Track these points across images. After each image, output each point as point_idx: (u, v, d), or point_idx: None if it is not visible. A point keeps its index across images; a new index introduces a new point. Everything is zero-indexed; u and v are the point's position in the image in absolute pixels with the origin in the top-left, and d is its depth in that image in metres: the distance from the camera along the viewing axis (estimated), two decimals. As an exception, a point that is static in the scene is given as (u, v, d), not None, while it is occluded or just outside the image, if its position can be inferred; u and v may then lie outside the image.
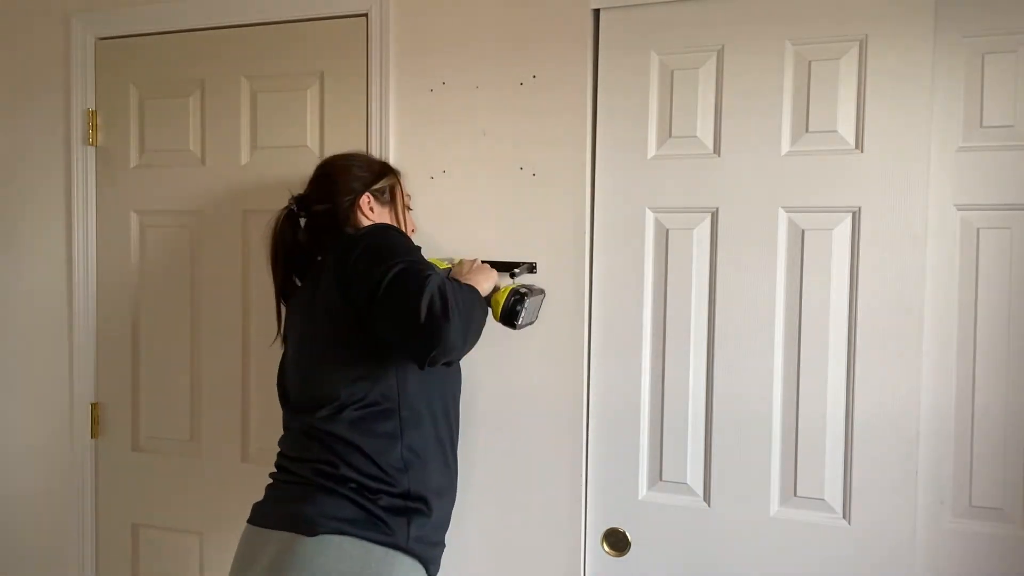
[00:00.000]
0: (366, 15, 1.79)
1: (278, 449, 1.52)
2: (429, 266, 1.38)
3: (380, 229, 1.45)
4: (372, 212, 1.55)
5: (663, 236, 1.62)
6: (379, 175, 1.59)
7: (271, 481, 1.50)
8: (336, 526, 1.34)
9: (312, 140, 1.86)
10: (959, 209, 1.48)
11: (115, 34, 2.03)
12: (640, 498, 1.65)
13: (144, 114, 2.03)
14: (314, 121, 1.86)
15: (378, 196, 1.57)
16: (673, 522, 1.62)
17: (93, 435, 2.10)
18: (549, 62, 1.66)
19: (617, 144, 1.64)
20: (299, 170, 1.85)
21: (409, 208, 1.66)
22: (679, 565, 1.62)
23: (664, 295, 1.62)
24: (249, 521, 1.47)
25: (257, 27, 1.90)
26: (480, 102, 1.71)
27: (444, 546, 1.52)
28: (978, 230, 1.47)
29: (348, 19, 1.81)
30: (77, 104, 2.06)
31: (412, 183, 1.77)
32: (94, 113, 2.06)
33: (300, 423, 1.47)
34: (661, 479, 1.64)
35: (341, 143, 1.81)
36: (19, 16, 2.13)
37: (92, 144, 2.06)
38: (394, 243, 1.41)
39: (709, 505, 1.60)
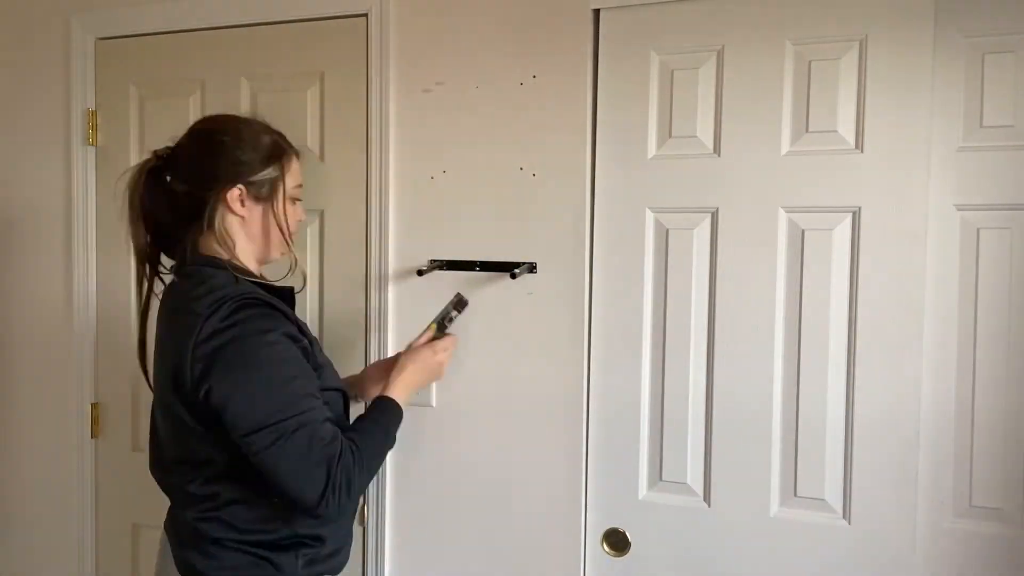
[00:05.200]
0: (366, 15, 1.79)
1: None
2: (309, 395, 1.24)
3: (236, 338, 1.20)
4: (241, 207, 1.31)
5: (663, 236, 1.62)
6: (265, 161, 1.32)
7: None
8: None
9: (312, 140, 1.86)
10: (959, 209, 1.48)
11: (115, 34, 2.03)
12: (640, 498, 1.65)
13: (144, 114, 2.02)
14: (314, 121, 1.86)
15: (254, 189, 1.31)
16: (673, 522, 1.62)
17: (93, 435, 2.10)
18: (549, 62, 1.66)
19: (617, 144, 1.64)
20: (299, 170, 1.86)
21: (299, 199, 1.41)
22: (679, 565, 1.62)
23: (664, 295, 1.62)
24: (166, 529, 1.42)
25: (257, 27, 1.89)
26: (480, 102, 1.71)
27: (348, 546, 1.46)
28: (978, 230, 1.47)
29: (348, 19, 1.81)
30: (77, 104, 2.05)
31: (412, 183, 1.77)
32: (94, 113, 2.06)
33: (173, 482, 1.36)
34: (661, 479, 1.64)
35: (341, 143, 1.81)
36: (19, 16, 2.13)
37: (92, 144, 2.06)
38: (267, 375, 1.21)
39: (709, 505, 1.60)
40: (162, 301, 1.36)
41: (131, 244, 1.34)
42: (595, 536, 1.68)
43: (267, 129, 1.37)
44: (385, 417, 1.40)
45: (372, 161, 1.78)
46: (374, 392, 1.50)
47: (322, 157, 1.84)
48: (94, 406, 2.10)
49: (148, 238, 1.35)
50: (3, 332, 2.19)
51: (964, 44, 1.46)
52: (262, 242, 1.36)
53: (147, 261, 1.37)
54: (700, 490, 1.61)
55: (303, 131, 1.86)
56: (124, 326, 2.05)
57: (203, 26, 1.94)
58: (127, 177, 1.33)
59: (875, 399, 1.49)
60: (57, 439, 2.13)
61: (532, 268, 1.67)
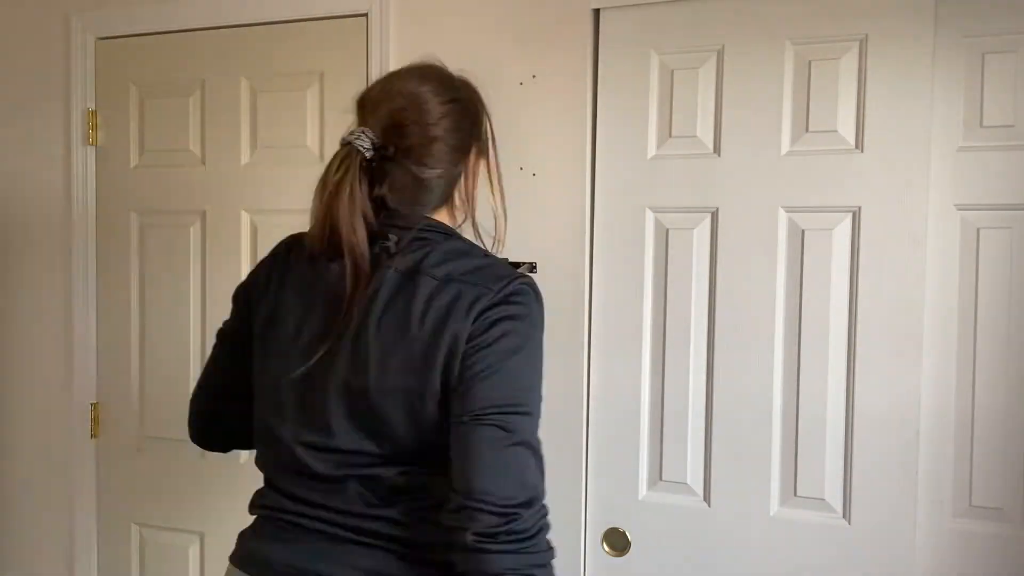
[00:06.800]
0: (366, 15, 1.79)
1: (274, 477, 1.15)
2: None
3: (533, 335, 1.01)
4: (476, 174, 1.10)
5: (663, 236, 1.62)
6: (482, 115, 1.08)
7: (288, 523, 1.10)
8: None
9: (312, 140, 1.86)
10: (959, 209, 1.48)
11: (115, 34, 2.03)
12: (640, 498, 1.65)
13: (144, 114, 2.03)
14: (314, 121, 1.86)
15: (487, 149, 1.09)
16: (673, 522, 1.62)
17: (93, 435, 2.10)
18: (549, 62, 1.66)
19: (617, 144, 1.64)
20: (299, 170, 1.86)
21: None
22: (679, 565, 1.62)
23: (664, 295, 1.62)
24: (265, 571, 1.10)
25: (257, 27, 1.90)
26: (480, 102, 1.71)
27: None
28: (978, 230, 1.47)
29: (348, 19, 1.81)
30: (77, 104, 2.05)
31: (412, 183, 1.76)
32: (94, 113, 2.06)
33: (352, 470, 1.05)
34: (661, 479, 1.64)
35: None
36: (19, 16, 2.13)
37: (92, 144, 2.06)
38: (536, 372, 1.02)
39: (709, 505, 1.60)
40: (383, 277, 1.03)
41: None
42: (595, 536, 1.68)
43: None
44: None
45: (372, 161, 1.78)
46: None
47: (322, 157, 1.84)
48: (94, 406, 2.10)
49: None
50: (3, 332, 2.19)
51: (964, 44, 1.46)
52: (464, 206, 1.10)
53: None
54: (700, 490, 1.61)
55: (303, 131, 1.86)
56: (124, 325, 2.06)
57: (203, 26, 1.94)
58: (335, 169, 1.04)
59: (875, 399, 1.49)
60: (57, 439, 2.13)
61: (532, 268, 1.67)
